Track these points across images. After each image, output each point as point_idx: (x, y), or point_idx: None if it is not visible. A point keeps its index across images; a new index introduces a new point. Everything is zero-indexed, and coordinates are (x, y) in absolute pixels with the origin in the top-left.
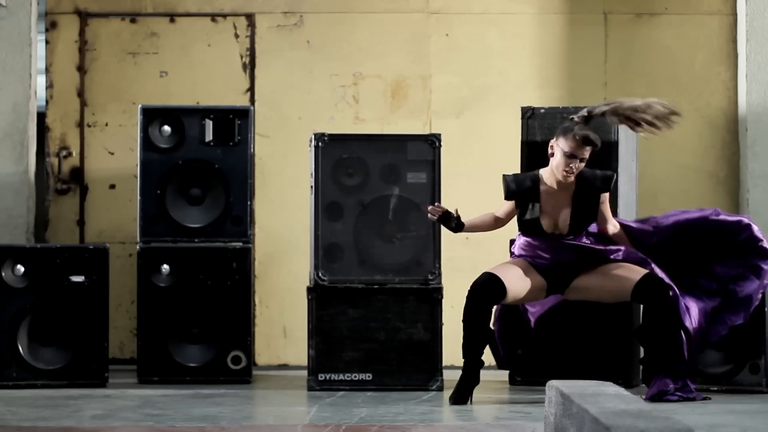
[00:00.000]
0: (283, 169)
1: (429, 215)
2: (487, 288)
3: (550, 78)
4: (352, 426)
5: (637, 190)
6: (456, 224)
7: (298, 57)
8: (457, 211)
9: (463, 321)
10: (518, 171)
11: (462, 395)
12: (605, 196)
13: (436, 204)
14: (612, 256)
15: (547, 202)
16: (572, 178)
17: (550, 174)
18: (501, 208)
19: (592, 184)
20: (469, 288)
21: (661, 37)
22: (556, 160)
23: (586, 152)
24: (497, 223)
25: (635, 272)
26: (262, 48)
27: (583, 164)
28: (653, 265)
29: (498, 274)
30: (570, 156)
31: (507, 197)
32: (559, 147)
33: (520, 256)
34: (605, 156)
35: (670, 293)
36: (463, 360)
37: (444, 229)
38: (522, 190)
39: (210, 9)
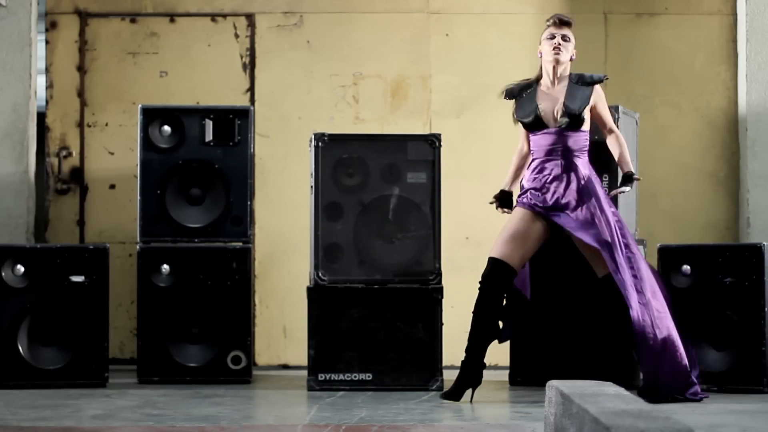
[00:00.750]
0: (283, 169)
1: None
2: (496, 276)
3: None
4: (352, 426)
5: (637, 190)
6: (508, 196)
7: (298, 57)
8: (502, 193)
9: (473, 312)
10: None
11: (455, 391)
12: (599, 94)
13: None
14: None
15: (543, 98)
16: (563, 55)
17: (544, 76)
18: (519, 138)
19: (583, 78)
20: (479, 280)
21: (661, 37)
22: (544, 54)
23: (567, 30)
24: (524, 152)
25: (601, 267)
26: (262, 48)
27: (567, 42)
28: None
29: (501, 257)
30: (551, 37)
31: (507, 96)
32: (542, 44)
33: (523, 195)
34: (605, 156)
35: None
36: (465, 354)
37: (444, 229)
38: (521, 89)
39: (210, 9)
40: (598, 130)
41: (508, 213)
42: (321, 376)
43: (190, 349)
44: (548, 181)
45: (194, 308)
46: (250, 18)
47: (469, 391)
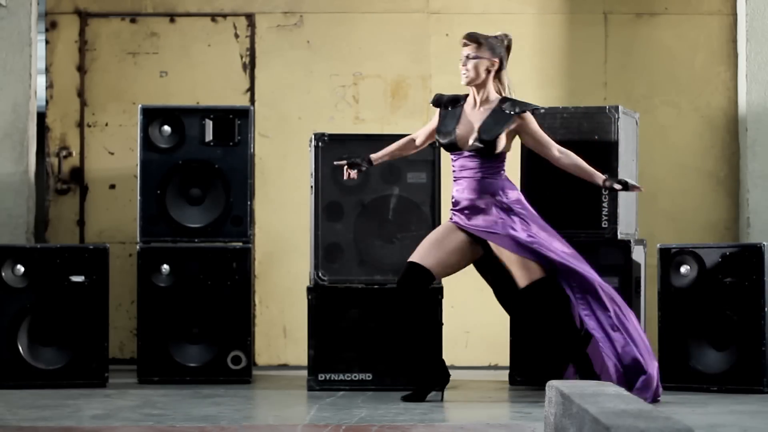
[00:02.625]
0: (283, 169)
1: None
2: (410, 278)
3: (550, 78)
4: (352, 426)
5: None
6: (367, 161)
7: (298, 57)
8: (365, 157)
9: (404, 321)
10: (519, 172)
11: (414, 394)
12: (527, 122)
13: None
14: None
15: (464, 121)
16: (470, 75)
17: (471, 95)
18: (422, 129)
19: (513, 104)
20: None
21: (661, 37)
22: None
23: (471, 48)
24: (413, 144)
25: (531, 271)
26: (262, 48)
27: (476, 61)
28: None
29: (417, 260)
30: (463, 57)
31: (434, 104)
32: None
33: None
34: (605, 156)
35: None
36: (418, 358)
37: None
38: (448, 101)
39: (210, 9)
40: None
41: (353, 176)
42: (321, 376)
43: (190, 349)
44: (466, 203)
45: (194, 308)
46: (250, 18)
47: (437, 392)
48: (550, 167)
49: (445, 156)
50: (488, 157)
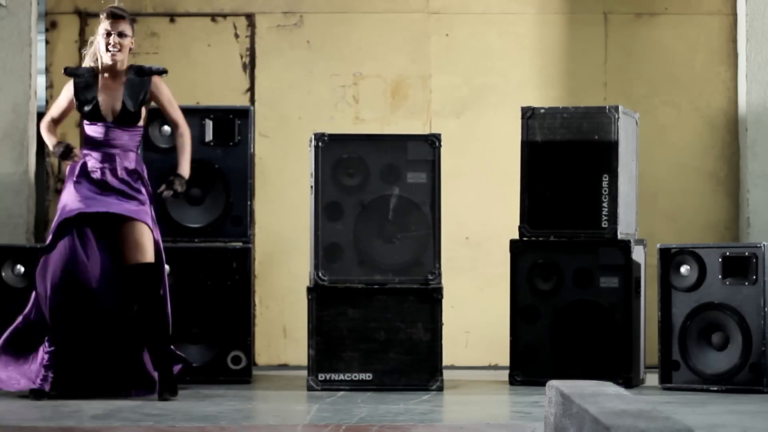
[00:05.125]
0: (283, 169)
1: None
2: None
3: (550, 78)
4: (352, 426)
5: (637, 190)
6: (65, 146)
7: (298, 57)
8: (57, 145)
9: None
10: (519, 172)
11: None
12: (159, 88)
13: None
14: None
15: (103, 90)
16: (120, 56)
17: (104, 68)
18: (53, 108)
19: (141, 70)
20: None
21: (661, 37)
22: (101, 50)
23: (121, 24)
24: (55, 124)
25: (142, 253)
26: (262, 48)
27: (124, 38)
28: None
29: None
30: (107, 34)
31: (66, 73)
32: (97, 37)
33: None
34: (605, 156)
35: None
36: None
37: (444, 229)
38: (84, 72)
39: (210, 9)
40: (597, 131)
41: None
42: (321, 376)
43: (190, 349)
44: (96, 175)
45: (194, 308)
46: (250, 18)
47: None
48: (550, 167)
49: (445, 156)
50: (130, 126)
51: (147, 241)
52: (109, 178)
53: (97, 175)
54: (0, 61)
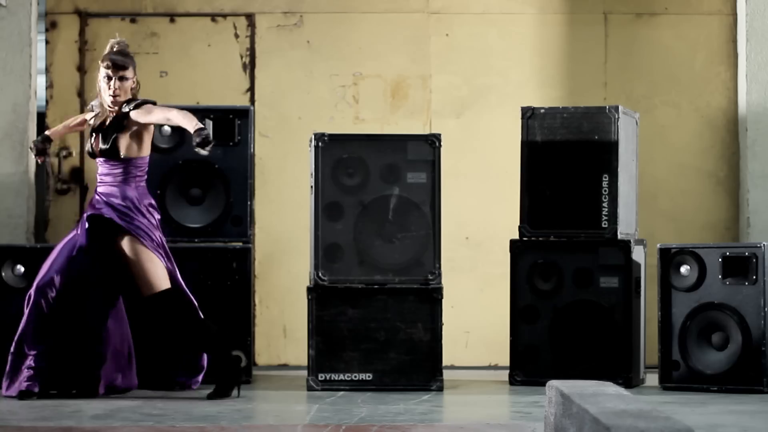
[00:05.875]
0: (283, 169)
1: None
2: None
3: (550, 78)
4: (352, 426)
5: (637, 190)
6: (42, 138)
7: (298, 57)
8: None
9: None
10: (519, 172)
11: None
12: (139, 114)
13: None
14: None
15: (97, 128)
16: (121, 98)
17: (103, 106)
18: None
19: (127, 104)
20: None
21: (661, 37)
22: (103, 93)
23: (121, 71)
24: (70, 128)
25: (155, 281)
26: (262, 48)
27: (125, 83)
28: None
29: None
30: (109, 78)
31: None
32: (100, 81)
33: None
34: (605, 156)
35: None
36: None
37: (444, 229)
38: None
39: (210, 9)
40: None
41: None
42: (321, 376)
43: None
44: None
45: None
46: (250, 18)
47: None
48: (550, 167)
49: (445, 156)
50: (115, 159)
51: (148, 264)
52: (108, 206)
53: (99, 205)
54: (0, 61)
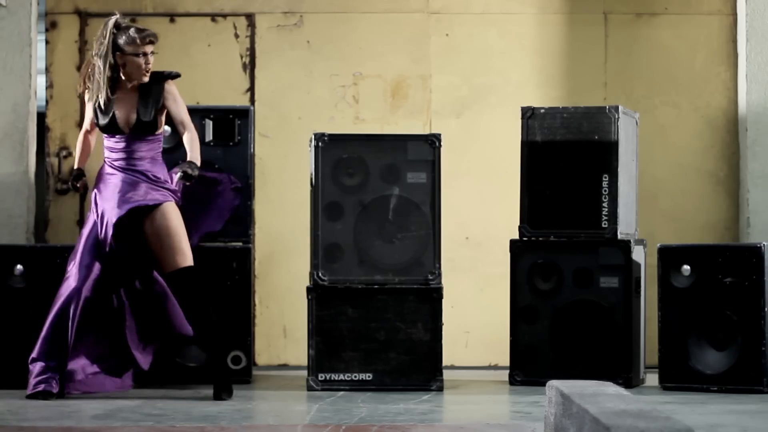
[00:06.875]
0: (283, 169)
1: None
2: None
3: (550, 78)
4: (352, 426)
5: (637, 190)
6: (76, 173)
7: (298, 57)
8: (74, 169)
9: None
10: (519, 172)
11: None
12: (171, 92)
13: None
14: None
15: (119, 103)
16: (150, 74)
17: (124, 81)
18: (85, 120)
19: (157, 75)
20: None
21: (661, 37)
22: (132, 68)
23: (151, 46)
24: (90, 136)
25: (181, 256)
26: (262, 48)
27: (152, 58)
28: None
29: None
30: (142, 54)
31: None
32: (126, 56)
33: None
34: (605, 156)
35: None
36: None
37: (444, 229)
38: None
39: (210, 9)
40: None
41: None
42: (321, 376)
43: (190, 349)
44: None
45: None
46: (250, 18)
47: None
48: (550, 167)
49: (445, 156)
50: (149, 135)
51: (181, 237)
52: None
53: (119, 184)
54: (0, 61)
